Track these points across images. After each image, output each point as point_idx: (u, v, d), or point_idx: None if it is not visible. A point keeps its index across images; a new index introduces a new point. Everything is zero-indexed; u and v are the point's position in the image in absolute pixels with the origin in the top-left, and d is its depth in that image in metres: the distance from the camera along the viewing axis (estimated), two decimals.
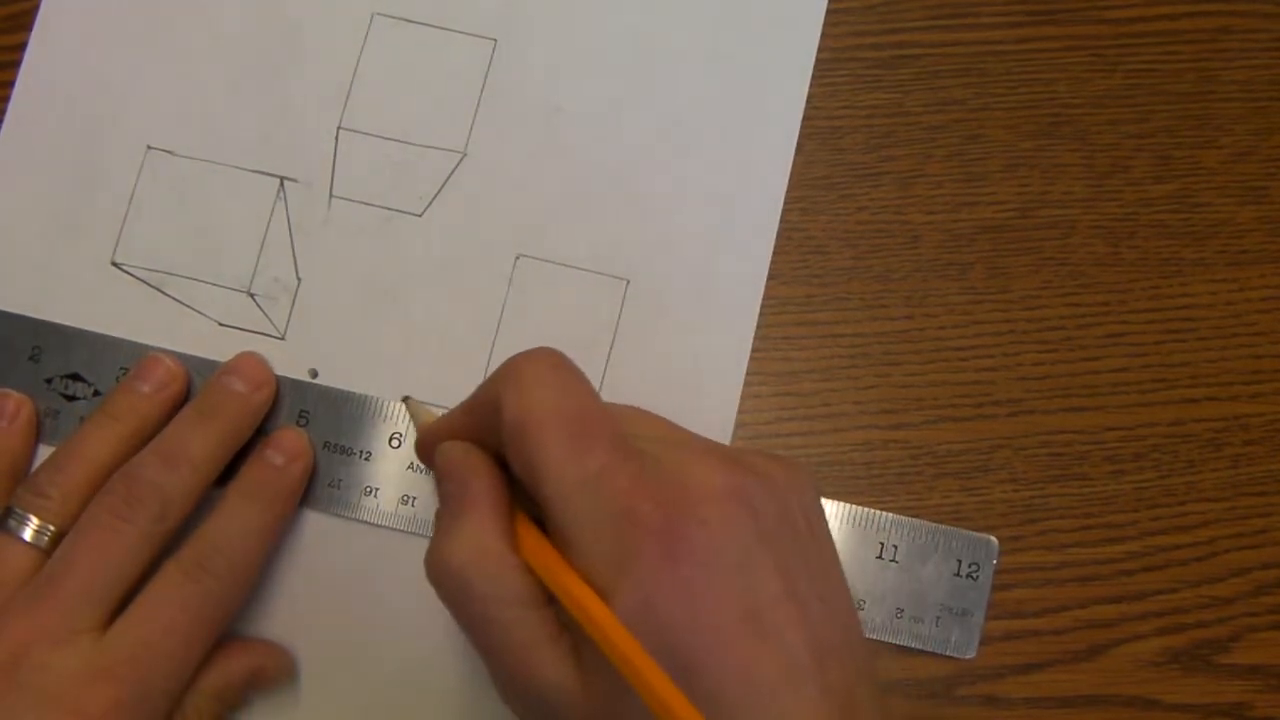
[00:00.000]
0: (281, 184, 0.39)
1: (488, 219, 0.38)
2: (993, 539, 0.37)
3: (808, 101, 0.39)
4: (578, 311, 0.38)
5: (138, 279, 0.38)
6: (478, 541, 0.28)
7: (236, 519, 0.34)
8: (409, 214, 0.39)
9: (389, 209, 0.39)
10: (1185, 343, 0.38)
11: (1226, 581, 0.37)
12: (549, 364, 0.29)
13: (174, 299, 0.38)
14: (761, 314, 0.38)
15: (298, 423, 0.37)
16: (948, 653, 0.36)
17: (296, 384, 0.37)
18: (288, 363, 0.37)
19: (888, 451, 0.38)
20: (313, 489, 0.36)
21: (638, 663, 0.25)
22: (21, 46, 0.40)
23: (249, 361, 0.36)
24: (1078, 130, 0.39)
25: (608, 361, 0.38)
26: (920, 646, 0.36)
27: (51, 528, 0.33)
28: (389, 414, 0.37)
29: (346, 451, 0.37)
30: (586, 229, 0.38)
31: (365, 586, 0.36)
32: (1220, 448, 0.38)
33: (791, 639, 0.26)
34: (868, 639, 0.29)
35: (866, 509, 0.37)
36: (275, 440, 0.36)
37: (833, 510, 0.37)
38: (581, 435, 0.27)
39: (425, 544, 0.29)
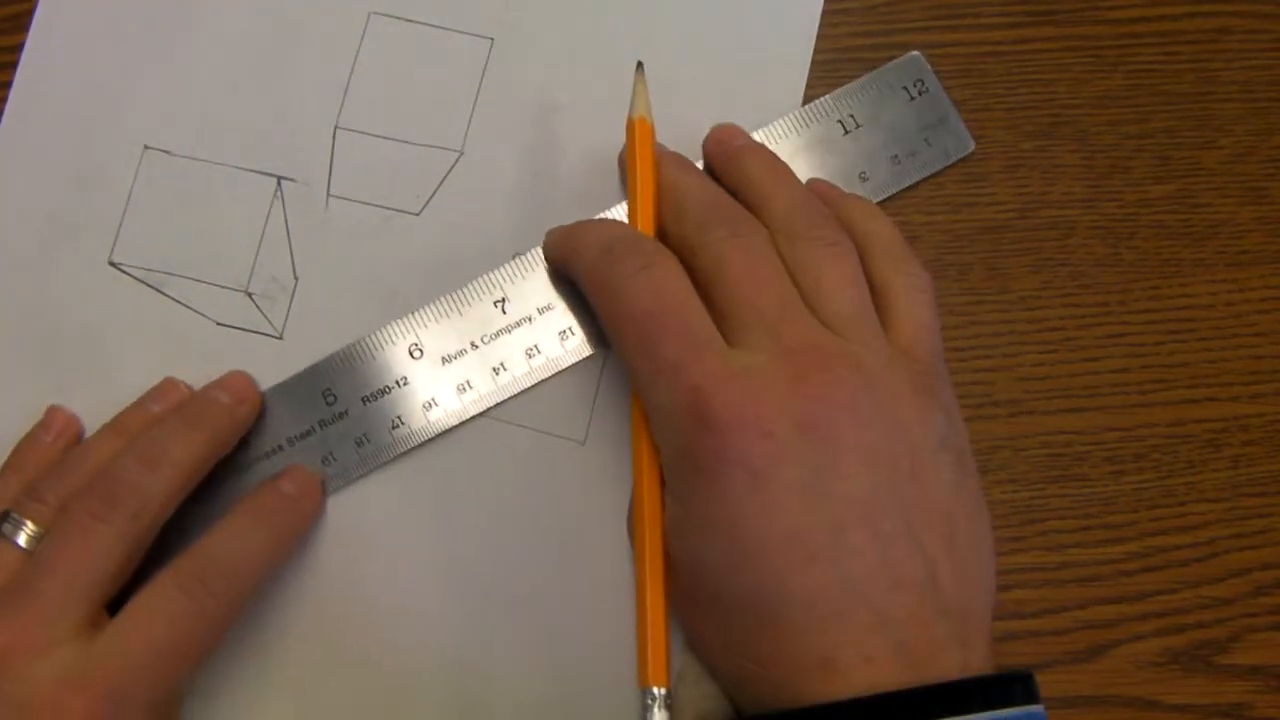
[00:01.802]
0: (279, 183, 0.39)
1: (486, 217, 0.38)
2: (912, 53, 0.39)
3: (808, 101, 0.39)
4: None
5: (136, 279, 0.38)
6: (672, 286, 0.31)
7: (241, 539, 0.33)
8: (407, 213, 0.39)
9: (387, 208, 0.39)
10: (1185, 343, 0.38)
11: (1226, 582, 0.37)
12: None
13: (172, 299, 0.38)
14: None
15: (324, 401, 0.36)
16: (953, 159, 0.39)
17: (309, 372, 0.37)
18: (286, 362, 0.37)
19: None
20: (344, 457, 0.36)
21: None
22: (19, 48, 0.40)
23: (236, 377, 0.36)
24: (1077, 131, 0.39)
25: (606, 358, 0.37)
26: (933, 170, 0.39)
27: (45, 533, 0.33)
28: (392, 338, 0.37)
29: (374, 397, 0.36)
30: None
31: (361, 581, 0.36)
32: (1220, 448, 0.38)
33: (848, 567, 0.28)
34: (985, 569, 0.30)
35: (812, 107, 0.39)
36: (290, 473, 0.36)
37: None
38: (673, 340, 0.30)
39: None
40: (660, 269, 0.31)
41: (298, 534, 0.36)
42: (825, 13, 0.40)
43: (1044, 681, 0.36)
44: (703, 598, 0.30)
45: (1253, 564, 0.37)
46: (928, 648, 0.28)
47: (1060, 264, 0.39)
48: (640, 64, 0.36)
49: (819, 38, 0.39)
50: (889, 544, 0.28)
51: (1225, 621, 0.37)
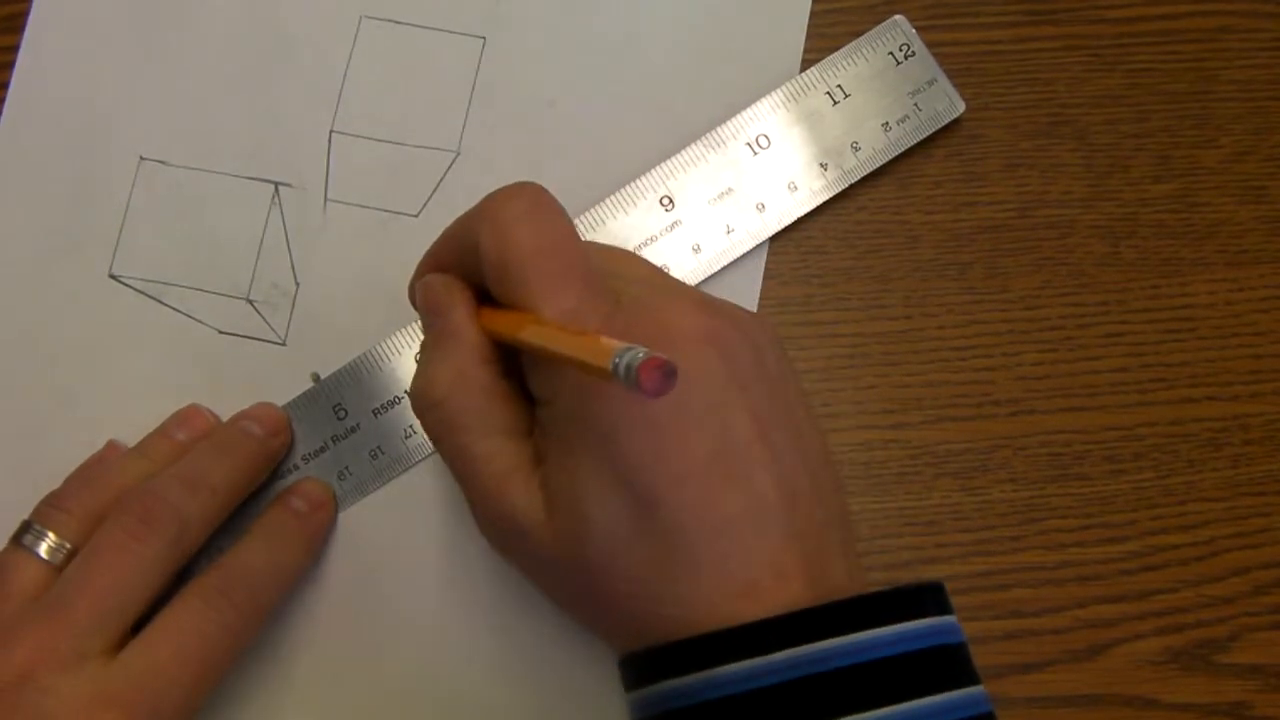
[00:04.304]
0: (276, 190, 0.39)
1: None
2: (895, 16, 0.39)
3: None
4: None
5: (136, 290, 0.38)
6: (459, 369, 0.29)
7: (263, 554, 0.34)
8: (405, 215, 0.39)
9: (385, 210, 0.39)
10: (1185, 342, 0.38)
11: (1226, 581, 0.37)
12: (528, 201, 0.29)
13: (173, 309, 0.38)
14: (761, 314, 0.38)
15: (335, 416, 0.36)
16: (944, 121, 0.38)
17: (318, 390, 0.37)
18: (289, 368, 0.37)
19: (887, 451, 0.38)
20: (360, 470, 0.36)
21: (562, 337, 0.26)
22: (14, 48, 0.39)
23: (266, 409, 0.36)
24: (1077, 130, 0.39)
25: None
26: (925, 134, 0.38)
27: (68, 545, 0.32)
28: (398, 348, 0.37)
29: (384, 408, 0.36)
30: (582, 223, 0.38)
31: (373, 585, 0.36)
32: (1220, 448, 0.38)
33: (760, 481, 0.27)
34: (840, 484, 0.29)
35: (799, 80, 0.38)
36: (298, 489, 0.36)
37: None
38: (557, 275, 0.28)
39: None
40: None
41: (314, 546, 0.36)
42: (822, 12, 0.40)
43: (1044, 681, 0.36)
44: (597, 558, 0.27)
45: (1253, 563, 0.37)
46: (825, 558, 0.27)
47: (1060, 263, 0.39)
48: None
49: (817, 38, 0.39)
50: (780, 456, 0.27)
51: (1225, 620, 0.37)
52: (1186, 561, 0.37)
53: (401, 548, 0.37)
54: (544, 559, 0.28)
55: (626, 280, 0.29)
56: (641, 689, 0.27)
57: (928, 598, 0.27)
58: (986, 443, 0.38)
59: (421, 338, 0.36)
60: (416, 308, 0.32)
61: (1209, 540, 0.37)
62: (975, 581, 0.37)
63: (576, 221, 0.35)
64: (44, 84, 0.39)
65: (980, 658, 0.28)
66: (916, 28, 0.39)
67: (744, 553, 0.26)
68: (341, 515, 0.37)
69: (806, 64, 0.39)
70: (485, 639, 0.36)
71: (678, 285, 0.31)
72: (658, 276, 0.31)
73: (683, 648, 0.26)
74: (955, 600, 0.28)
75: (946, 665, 0.26)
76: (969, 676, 0.27)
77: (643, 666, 0.27)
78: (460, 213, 0.38)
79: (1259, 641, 0.37)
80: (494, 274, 0.28)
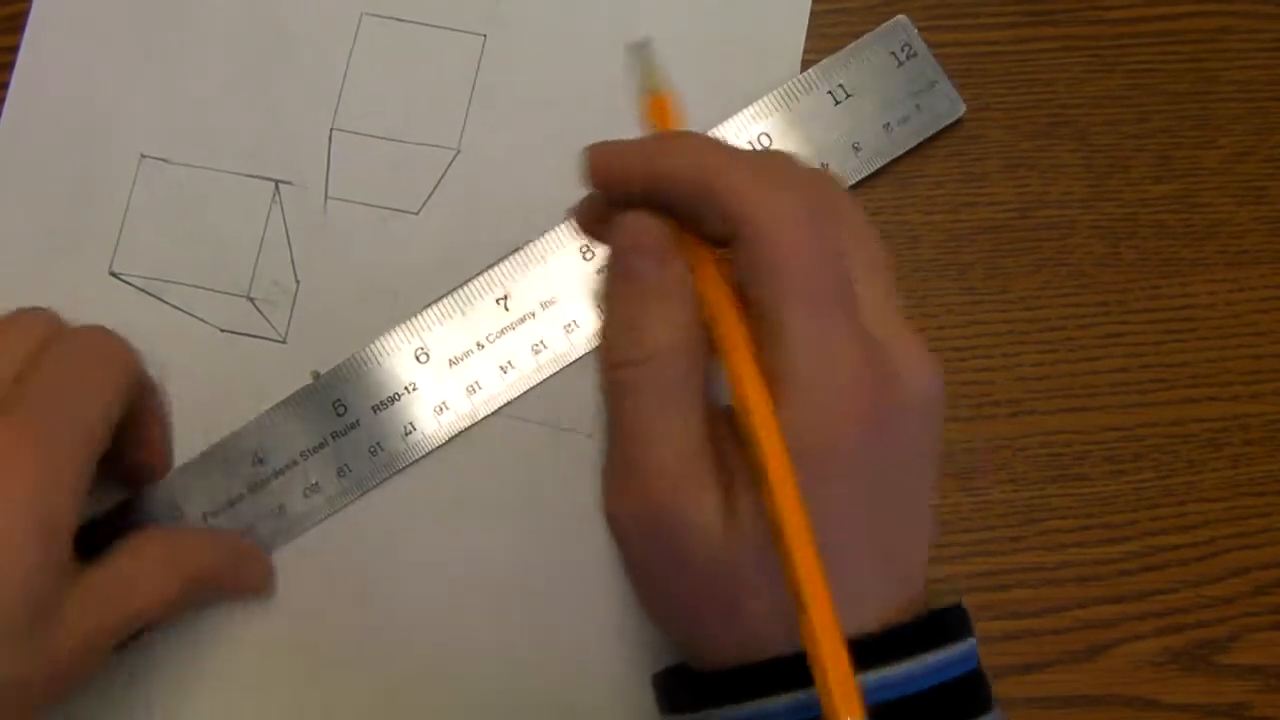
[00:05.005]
0: (277, 187, 0.39)
1: (485, 214, 0.38)
2: (898, 16, 0.39)
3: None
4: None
5: (137, 288, 0.38)
6: (681, 324, 0.26)
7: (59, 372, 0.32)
8: (406, 212, 0.39)
9: (386, 208, 0.39)
10: (1185, 343, 0.38)
11: (1226, 581, 0.37)
12: (818, 199, 0.26)
13: (174, 307, 0.38)
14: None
15: (335, 412, 0.36)
16: (945, 122, 0.38)
17: (317, 386, 0.37)
18: (290, 366, 0.37)
19: None
20: (359, 467, 0.36)
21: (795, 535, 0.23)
22: (15, 49, 0.40)
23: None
24: (1077, 130, 0.39)
25: None
26: (925, 136, 0.38)
27: None
28: (397, 344, 0.37)
29: (384, 405, 0.36)
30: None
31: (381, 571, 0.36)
32: (1220, 448, 0.38)
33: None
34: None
35: (801, 79, 0.38)
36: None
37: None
38: (832, 298, 0.25)
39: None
40: None
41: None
42: (823, 12, 0.40)
43: (1044, 681, 0.36)
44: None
45: (1253, 563, 0.37)
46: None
47: (1060, 264, 0.39)
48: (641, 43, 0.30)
49: (817, 38, 0.39)
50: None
51: (1225, 621, 0.37)
52: (1186, 562, 0.37)
53: (401, 544, 0.37)
54: (692, 562, 0.26)
55: (856, 271, 0.26)
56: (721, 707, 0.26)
57: (959, 620, 0.27)
58: (987, 443, 0.38)
59: (418, 337, 0.36)
60: (588, 233, 0.29)
61: (1209, 540, 0.37)
62: (975, 581, 0.37)
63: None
64: (44, 83, 0.39)
65: (980, 658, 0.27)
66: (917, 27, 0.39)
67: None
68: (342, 513, 0.37)
69: (807, 64, 0.39)
70: (486, 634, 0.36)
71: (895, 313, 0.28)
72: (886, 295, 0.28)
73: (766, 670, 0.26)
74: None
75: (975, 689, 0.27)
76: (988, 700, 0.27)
77: (726, 684, 0.26)
78: (461, 211, 0.38)
79: (1259, 642, 0.37)
80: (756, 258, 0.25)
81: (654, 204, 0.27)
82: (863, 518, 0.26)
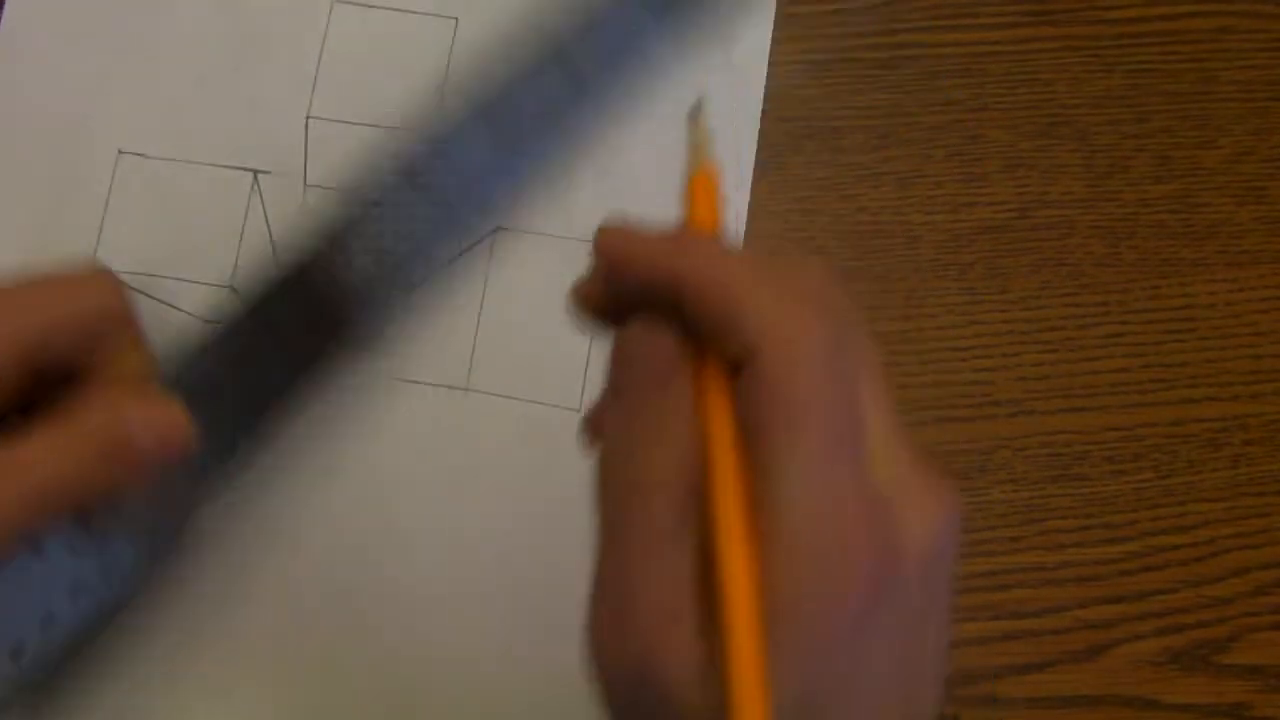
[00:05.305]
0: (255, 177, 0.39)
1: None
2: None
3: (808, 102, 0.39)
4: (560, 281, 0.37)
5: None
6: (684, 456, 0.23)
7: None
8: None
9: None
10: (1185, 343, 0.38)
11: (1226, 581, 0.37)
12: (837, 328, 0.23)
13: (158, 300, 0.38)
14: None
15: None
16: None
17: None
18: None
19: None
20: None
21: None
22: None
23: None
24: (1077, 130, 0.39)
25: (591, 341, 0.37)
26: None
27: None
28: None
29: None
30: (562, 200, 0.38)
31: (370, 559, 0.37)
32: (1220, 448, 0.38)
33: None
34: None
35: None
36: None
37: None
38: (844, 451, 0.23)
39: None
40: None
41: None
42: (825, 12, 0.40)
43: (1044, 681, 0.36)
44: None
45: (1253, 563, 0.37)
46: None
47: (1060, 264, 0.39)
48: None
49: (818, 38, 0.39)
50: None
51: (1225, 621, 0.37)
52: (1186, 562, 0.37)
53: (387, 522, 0.37)
54: (667, 716, 0.24)
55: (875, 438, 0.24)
56: None
57: None
58: (987, 443, 0.38)
59: None
60: (588, 311, 0.26)
61: (1209, 540, 0.37)
62: (975, 582, 0.37)
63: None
64: (20, 82, 0.40)
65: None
66: (917, 28, 0.39)
67: None
68: (336, 512, 0.37)
69: (814, 81, 0.39)
70: (489, 629, 0.36)
71: (898, 426, 0.25)
72: (892, 437, 0.25)
73: None
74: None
75: None
76: None
77: None
78: None
79: (1259, 642, 0.37)
80: (763, 389, 0.23)
81: (662, 302, 0.24)
82: (861, 686, 0.25)
